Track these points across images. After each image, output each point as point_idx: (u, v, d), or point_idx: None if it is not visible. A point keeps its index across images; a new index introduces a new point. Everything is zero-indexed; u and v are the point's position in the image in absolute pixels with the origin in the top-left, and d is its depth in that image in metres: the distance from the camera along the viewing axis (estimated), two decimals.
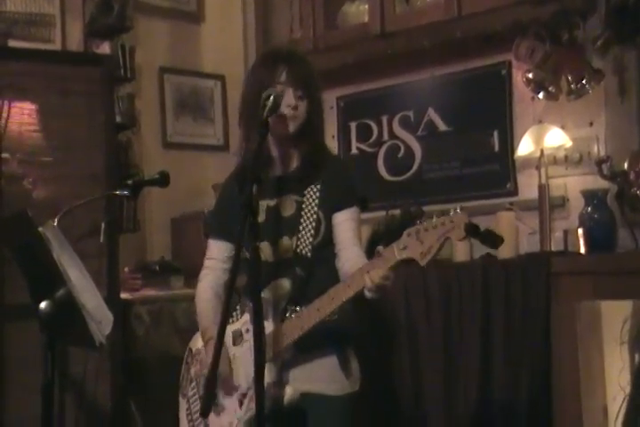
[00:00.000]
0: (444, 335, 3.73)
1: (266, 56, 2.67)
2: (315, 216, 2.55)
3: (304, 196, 2.58)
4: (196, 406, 2.68)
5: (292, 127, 2.54)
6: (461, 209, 2.24)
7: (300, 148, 2.62)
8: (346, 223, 2.58)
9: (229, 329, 2.54)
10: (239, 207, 2.32)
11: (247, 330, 2.53)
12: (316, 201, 2.57)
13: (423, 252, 2.23)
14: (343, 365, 2.58)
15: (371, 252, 4.30)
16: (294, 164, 2.64)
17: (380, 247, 2.35)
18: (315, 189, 2.58)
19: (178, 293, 4.40)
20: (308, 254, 2.55)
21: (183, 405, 2.74)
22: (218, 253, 2.71)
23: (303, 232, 2.55)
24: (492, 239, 3.87)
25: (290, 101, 2.52)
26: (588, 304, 3.55)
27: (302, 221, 2.56)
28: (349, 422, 2.57)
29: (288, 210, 2.59)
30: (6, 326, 3.82)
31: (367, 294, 2.33)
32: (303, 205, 2.57)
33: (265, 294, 2.41)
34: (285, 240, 2.56)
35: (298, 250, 2.54)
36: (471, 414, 3.62)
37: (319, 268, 2.56)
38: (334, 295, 2.38)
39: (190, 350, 2.78)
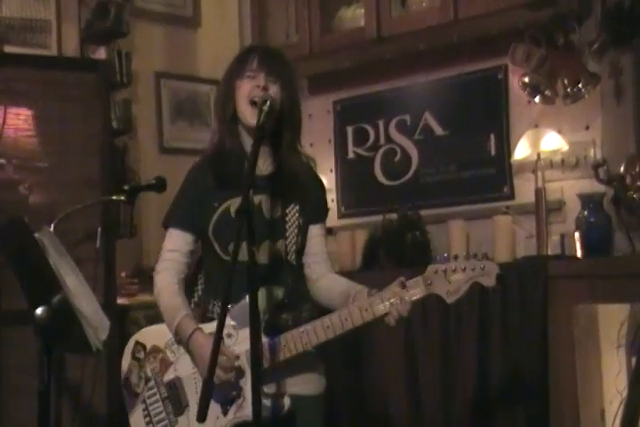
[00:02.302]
0: (442, 338, 3.73)
1: (239, 52, 2.63)
2: (298, 222, 2.54)
3: (286, 204, 2.54)
4: (157, 408, 2.55)
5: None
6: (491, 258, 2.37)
7: (275, 146, 2.54)
8: (320, 237, 2.61)
9: (207, 330, 2.42)
10: (210, 197, 2.45)
11: (229, 335, 2.41)
12: (298, 213, 2.54)
13: (450, 291, 2.30)
14: (317, 366, 2.58)
15: (368, 256, 4.31)
16: (269, 163, 2.56)
17: (402, 279, 2.34)
18: (294, 203, 2.54)
19: None
20: (294, 262, 2.53)
21: (138, 405, 2.59)
22: (181, 246, 2.55)
23: (290, 238, 2.52)
24: None
25: (260, 82, 2.47)
26: (584, 308, 3.55)
27: (287, 227, 2.52)
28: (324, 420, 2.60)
29: (270, 212, 2.52)
30: (3, 331, 3.81)
31: (391, 321, 2.34)
32: (287, 210, 2.53)
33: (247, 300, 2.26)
34: (270, 244, 2.49)
35: (288, 257, 2.52)
36: (468, 417, 3.62)
37: (300, 276, 2.58)
38: (348, 317, 2.36)
39: (143, 345, 2.61)
